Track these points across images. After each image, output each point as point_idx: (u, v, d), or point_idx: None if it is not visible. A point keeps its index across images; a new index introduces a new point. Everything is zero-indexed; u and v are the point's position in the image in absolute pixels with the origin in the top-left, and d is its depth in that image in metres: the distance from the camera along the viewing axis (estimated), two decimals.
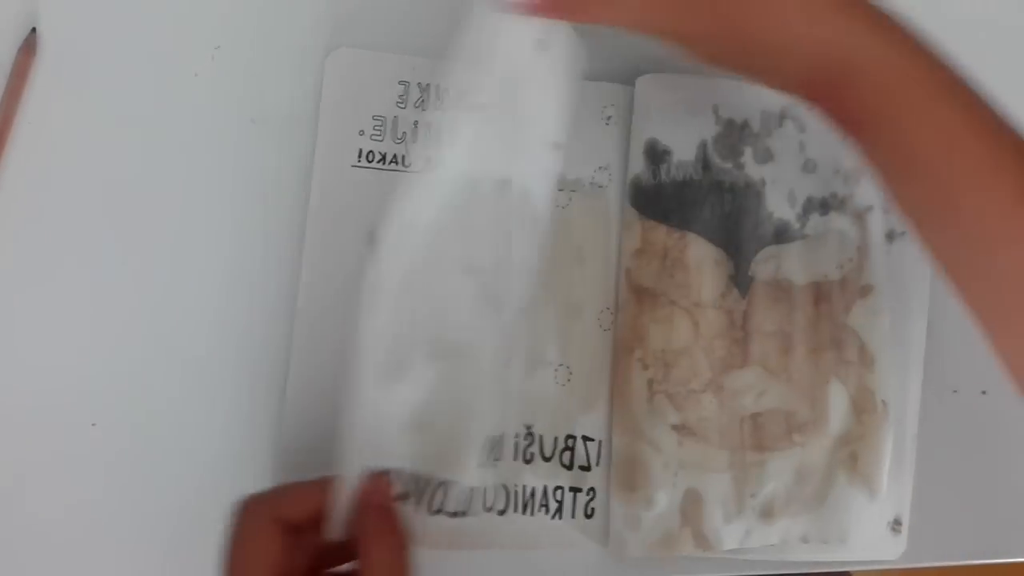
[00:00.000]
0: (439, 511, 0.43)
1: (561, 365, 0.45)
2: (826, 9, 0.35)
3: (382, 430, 0.41)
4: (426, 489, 0.43)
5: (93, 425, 0.43)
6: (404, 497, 0.42)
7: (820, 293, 0.46)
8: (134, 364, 0.43)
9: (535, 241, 0.40)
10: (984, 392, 0.48)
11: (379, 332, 0.40)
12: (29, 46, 0.43)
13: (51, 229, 0.44)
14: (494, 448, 0.43)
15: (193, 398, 0.43)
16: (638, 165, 0.45)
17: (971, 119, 0.35)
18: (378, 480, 0.37)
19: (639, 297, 0.45)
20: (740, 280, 0.45)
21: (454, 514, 0.43)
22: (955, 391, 0.48)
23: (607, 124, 0.46)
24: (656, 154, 0.45)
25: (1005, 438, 0.48)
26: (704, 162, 0.45)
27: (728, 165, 0.45)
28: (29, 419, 0.43)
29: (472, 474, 0.42)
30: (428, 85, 0.45)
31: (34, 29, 0.44)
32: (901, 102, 0.35)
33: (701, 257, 0.45)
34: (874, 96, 0.35)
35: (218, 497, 0.43)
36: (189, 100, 0.45)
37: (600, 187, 0.46)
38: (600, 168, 0.46)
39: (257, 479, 0.43)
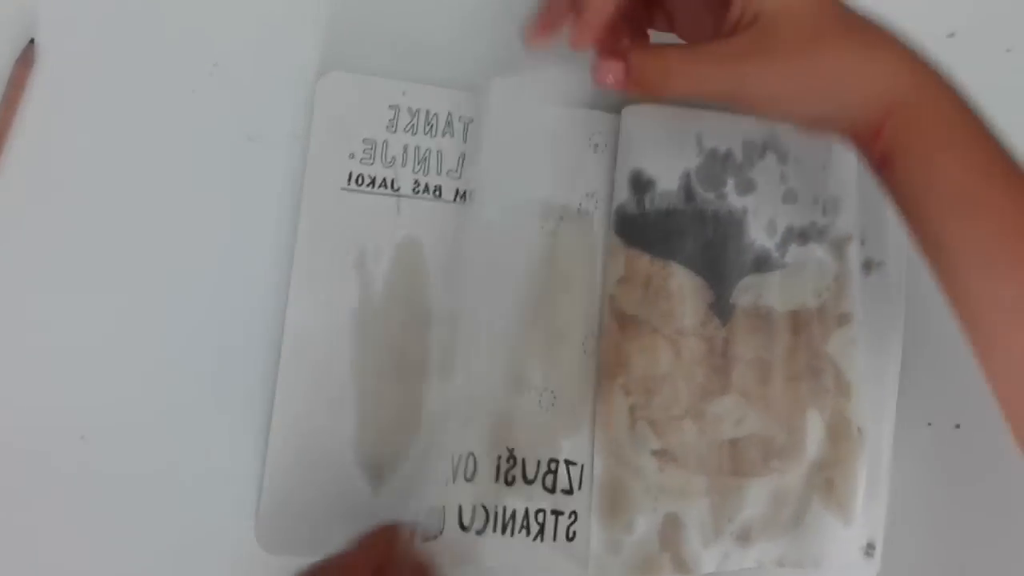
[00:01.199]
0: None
1: (546, 389, 0.45)
2: (879, 52, 0.36)
3: (326, 460, 0.42)
4: None
5: (82, 438, 0.43)
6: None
7: (799, 322, 0.46)
8: (123, 378, 0.44)
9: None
10: (958, 426, 0.49)
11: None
12: (27, 58, 0.44)
13: (44, 242, 0.44)
14: (462, 466, 0.43)
15: (181, 413, 0.44)
16: (623, 194, 0.46)
17: (996, 158, 0.36)
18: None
19: (622, 324, 0.45)
20: (721, 308, 0.46)
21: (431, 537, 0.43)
22: (929, 423, 0.49)
23: (595, 152, 0.47)
24: (641, 184, 0.46)
25: (977, 471, 0.49)
26: (687, 192, 0.46)
27: (711, 195, 0.47)
28: (17, 432, 0.43)
29: (435, 492, 0.43)
30: (418, 110, 0.46)
31: (32, 40, 0.44)
32: (937, 139, 0.36)
33: (683, 285, 0.46)
34: (910, 133, 0.36)
35: (205, 509, 0.44)
36: (186, 116, 0.45)
37: (587, 214, 0.47)
38: (587, 195, 0.47)
39: (243, 491, 0.43)
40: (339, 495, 0.43)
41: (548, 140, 0.46)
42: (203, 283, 0.45)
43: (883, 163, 0.37)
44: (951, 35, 0.50)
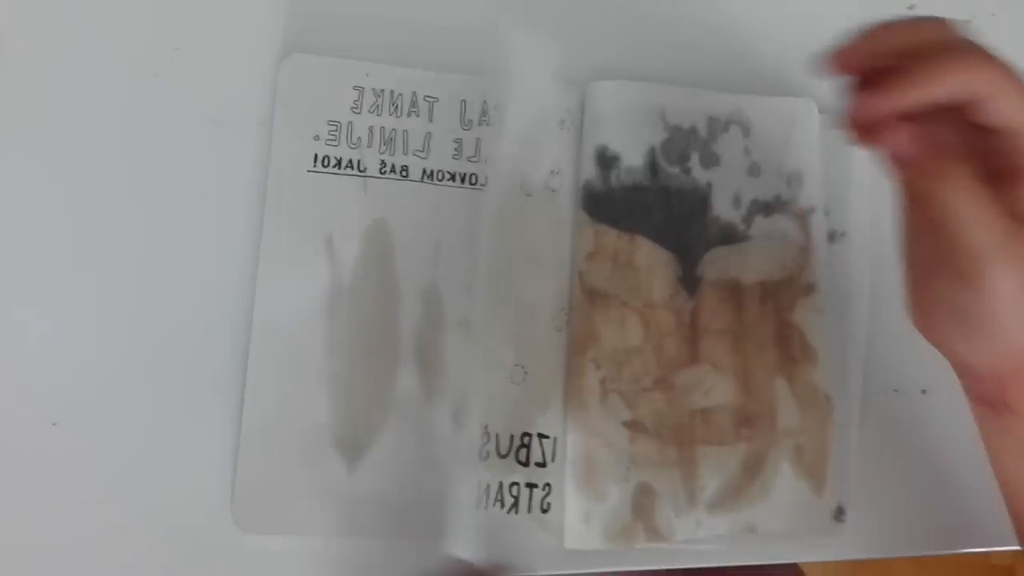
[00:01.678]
0: None
1: (517, 365, 0.46)
2: None
3: (298, 439, 0.43)
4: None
5: (54, 425, 0.43)
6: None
7: (765, 292, 0.47)
8: (94, 363, 0.44)
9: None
10: (924, 391, 0.50)
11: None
12: None
13: (10, 230, 0.44)
14: None
15: (153, 397, 0.44)
16: (589, 170, 0.47)
17: None
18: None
19: (592, 298, 0.46)
20: (688, 281, 0.47)
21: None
22: (896, 390, 0.50)
23: (560, 128, 0.48)
24: (606, 160, 0.47)
25: (944, 435, 0.50)
26: (652, 167, 0.47)
27: (676, 170, 0.47)
28: None
29: None
30: (382, 90, 0.46)
31: None
32: None
33: (650, 259, 0.46)
34: None
35: (180, 491, 0.44)
36: (149, 101, 0.45)
37: (553, 191, 0.47)
38: (553, 172, 0.47)
39: (217, 475, 0.43)
40: (314, 474, 0.43)
41: (513, 116, 0.47)
42: (171, 268, 0.45)
43: (1003, 407, 0.37)
44: (911, 7, 0.51)
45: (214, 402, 0.44)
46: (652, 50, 0.49)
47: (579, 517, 0.44)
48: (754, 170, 0.48)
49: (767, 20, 0.50)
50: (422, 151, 0.46)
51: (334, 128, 0.46)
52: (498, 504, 0.44)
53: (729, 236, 0.47)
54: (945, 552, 0.50)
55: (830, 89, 0.50)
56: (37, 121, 0.44)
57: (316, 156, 0.45)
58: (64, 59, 0.45)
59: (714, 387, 0.46)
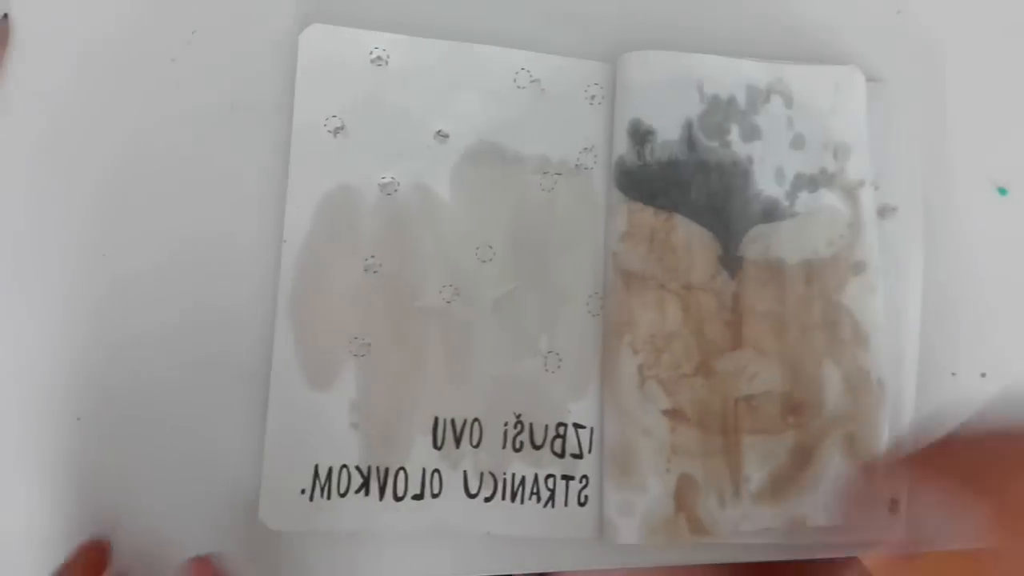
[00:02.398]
0: (401, 498, 0.42)
1: (551, 352, 0.44)
2: None
3: (325, 432, 0.41)
4: (383, 479, 0.42)
5: (78, 419, 0.42)
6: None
7: (811, 271, 0.45)
8: (117, 357, 0.42)
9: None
10: (983, 375, 0.47)
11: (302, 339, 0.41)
12: (1, 33, 0.43)
13: (30, 220, 0.43)
14: (451, 433, 0.42)
15: (177, 389, 0.42)
16: (622, 146, 0.44)
17: None
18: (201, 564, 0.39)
19: (627, 281, 0.44)
20: (729, 261, 0.44)
21: (418, 496, 0.42)
22: (953, 373, 0.47)
23: (591, 104, 0.45)
24: (640, 134, 0.44)
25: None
26: (689, 141, 0.45)
27: (714, 144, 0.45)
28: (11, 413, 0.42)
29: (421, 457, 0.42)
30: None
31: (6, 15, 0.43)
32: None
33: (689, 239, 0.44)
34: None
35: (204, 494, 0.42)
36: (167, 85, 0.44)
37: (586, 169, 0.45)
38: (585, 150, 0.45)
39: (243, 468, 0.42)
40: (339, 462, 0.42)
41: (541, 93, 0.45)
42: (194, 254, 0.43)
43: None
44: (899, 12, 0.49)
45: (239, 387, 0.42)
46: (686, 18, 0.47)
47: (617, 510, 0.42)
48: (797, 142, 0.45)
49: None
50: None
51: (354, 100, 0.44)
52: (534, 498, 0.42)
53: (772, 213, 0.45)
54: None
55: (875, 55, 0.48)
56: (53, 113, 0.43)
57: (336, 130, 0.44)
58: (79, 48, 0.44)
59: (758, 373, 0.43)
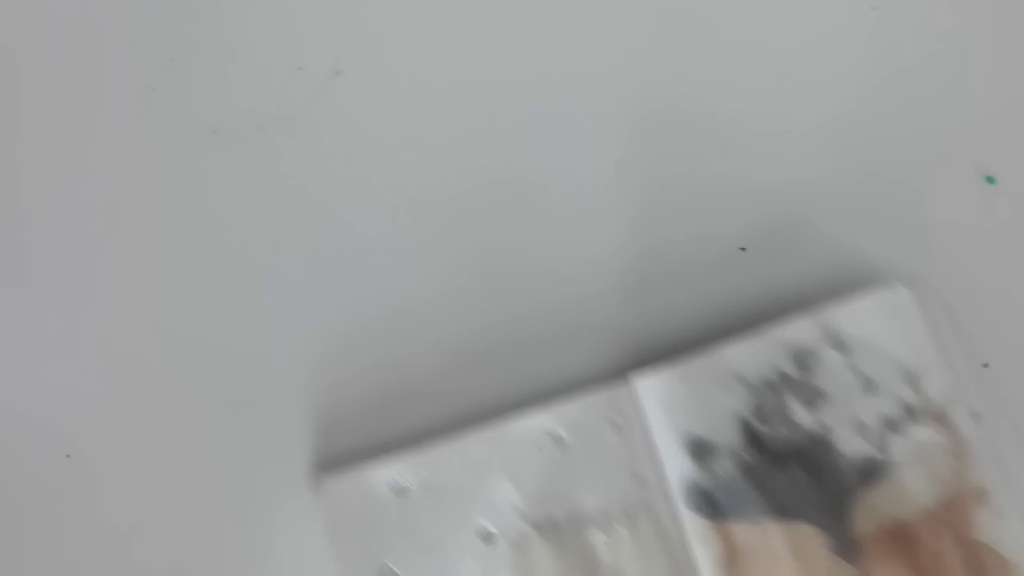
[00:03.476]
0: None
1: None
2: None
3: None
4: None
5: (68, 457, 0.39)
6: None
7: (935, 519, 0.39)
8: (109, 392, 0.40)
9: None
10: None
11: None
12: None
13: (16, 253, 0.41)
14: None
15: (174, 424, 0.40)
16: (681, 466, 0.38)
17: None
18: None
19: None
20: (845, 547, 0.39)
21: None
22: None
23: (618, 435, 0.39)
24: (697, 450, 0.38)
25: None
26: (751, 437, 0.39)
27: (782, 431, 0.39)
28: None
29: None
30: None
31: None
32: None
33: (792, 542, 0.38)
34: None
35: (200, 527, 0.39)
36: (147, 114, 0.43)
37: (648, 507, 0.39)
38: (634, 478, 0.39)
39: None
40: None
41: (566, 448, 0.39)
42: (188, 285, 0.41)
43: None
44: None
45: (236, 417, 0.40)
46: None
47: None
48: (870, 387, 0.39)
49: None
50: None
51: None
52: None
53: (871, 473, 0.39)
54: None
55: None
56: (33, 144, 0.42)
57: None
58: (56, 79, 0.43)
59: None
